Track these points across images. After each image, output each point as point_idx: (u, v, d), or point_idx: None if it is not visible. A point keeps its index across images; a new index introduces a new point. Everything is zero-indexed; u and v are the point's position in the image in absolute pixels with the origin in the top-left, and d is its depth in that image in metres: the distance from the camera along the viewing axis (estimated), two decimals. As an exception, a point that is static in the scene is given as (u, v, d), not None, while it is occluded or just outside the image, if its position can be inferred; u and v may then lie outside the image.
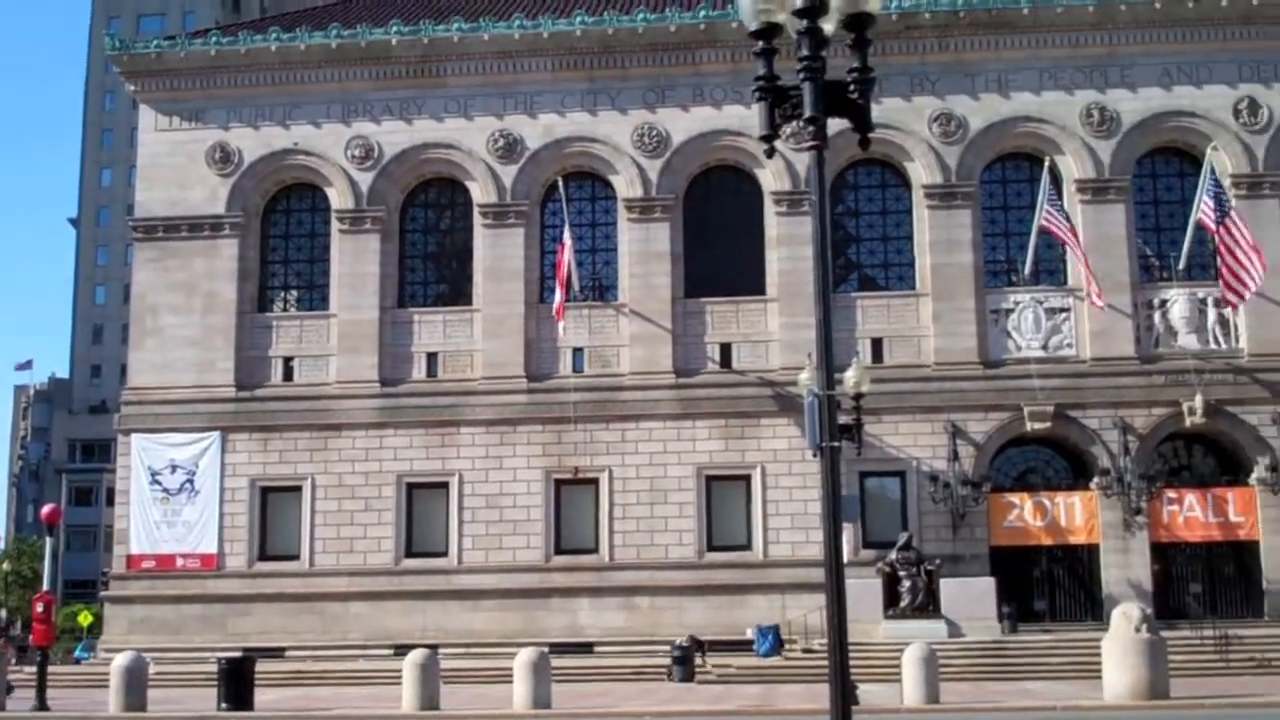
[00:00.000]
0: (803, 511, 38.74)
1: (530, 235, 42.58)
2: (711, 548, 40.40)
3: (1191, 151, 41.22)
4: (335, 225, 43.18)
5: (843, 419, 28.15)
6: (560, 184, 42.41)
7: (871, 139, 9.62)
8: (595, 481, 40.83)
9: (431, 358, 42.30)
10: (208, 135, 43.48)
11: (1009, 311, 41.07)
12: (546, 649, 29.72)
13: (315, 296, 43.61)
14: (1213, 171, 39.07)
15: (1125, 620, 27.06)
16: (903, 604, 35.97)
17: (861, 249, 42.57)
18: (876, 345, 41.03)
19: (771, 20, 9.26)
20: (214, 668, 29.92)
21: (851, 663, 9.59)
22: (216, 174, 43.34)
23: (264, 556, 41.69)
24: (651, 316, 41.41)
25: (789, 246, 40.88)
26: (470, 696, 31.06)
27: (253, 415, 41.98)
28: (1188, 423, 39.72)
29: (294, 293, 44.11)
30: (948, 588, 36.15)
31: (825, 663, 9.81)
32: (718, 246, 42.20)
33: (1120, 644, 26.86)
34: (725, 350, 41.51)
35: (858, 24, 9.33)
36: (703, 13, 41.97)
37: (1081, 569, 40.16)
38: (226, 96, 43.51)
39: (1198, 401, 39.17)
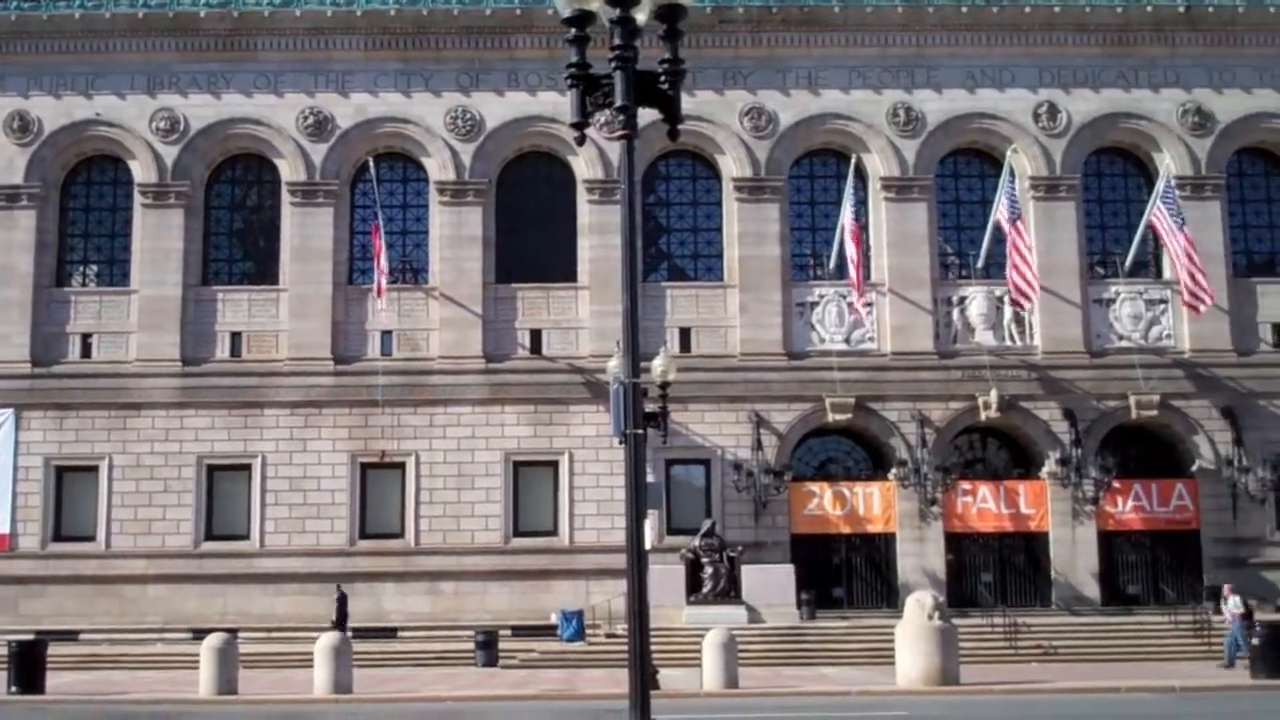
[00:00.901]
0: (609, 498, 38.92)
1: (340, 215, 41.93)
2: (518, 533, 40.37)
3: (993, 153, 42.48)
4: (138, 199, 41.90)
5: (649, 407, 28.39)
6: (371, 164, 41.85)
7: (683, 131, 9.70)
8: (402, 466, 40.45)
9: (236, 337, 41.37)
10: (6, 103, 41.81)
11: (814, 305, 41.84)
12: (350, 633, 29.38)
13: (116, 272, 42.27)
14: (1011, 173, 40.35)
15: (919, 608, 27.85)
16: (705, 590, 36.45)
17: (672, 239, 42.94)
18: (685, 335, 41.43)
19: (585, 8, 9.26)
20: (3, 650, 28.95)
21: (653, 648, 9.71)
22: (14, 143, 41.70)
23: (59, 537, 40.35)
24: (462, 301, 41.15)
25: (600, 234, 41.01)
26: (270, 681, 30.55)
27: (49, 393, 40.55)
28: (983, 417, 40.99)
29: (94, 267, 42.72)
30: (749, 574, 36.74)
31: (627, 647, 9.90)
32: (530, 232, 42.11)
33: (913, 630, 27.64)
34: (536, 336, 41.48)
35: (670, 15, 9.39)
36: (520, -3, 41.79)
37: (879, 557, 41.17)
38: (26, 63, 41.85)
39: (993, 396, 40.45)
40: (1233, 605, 32.85)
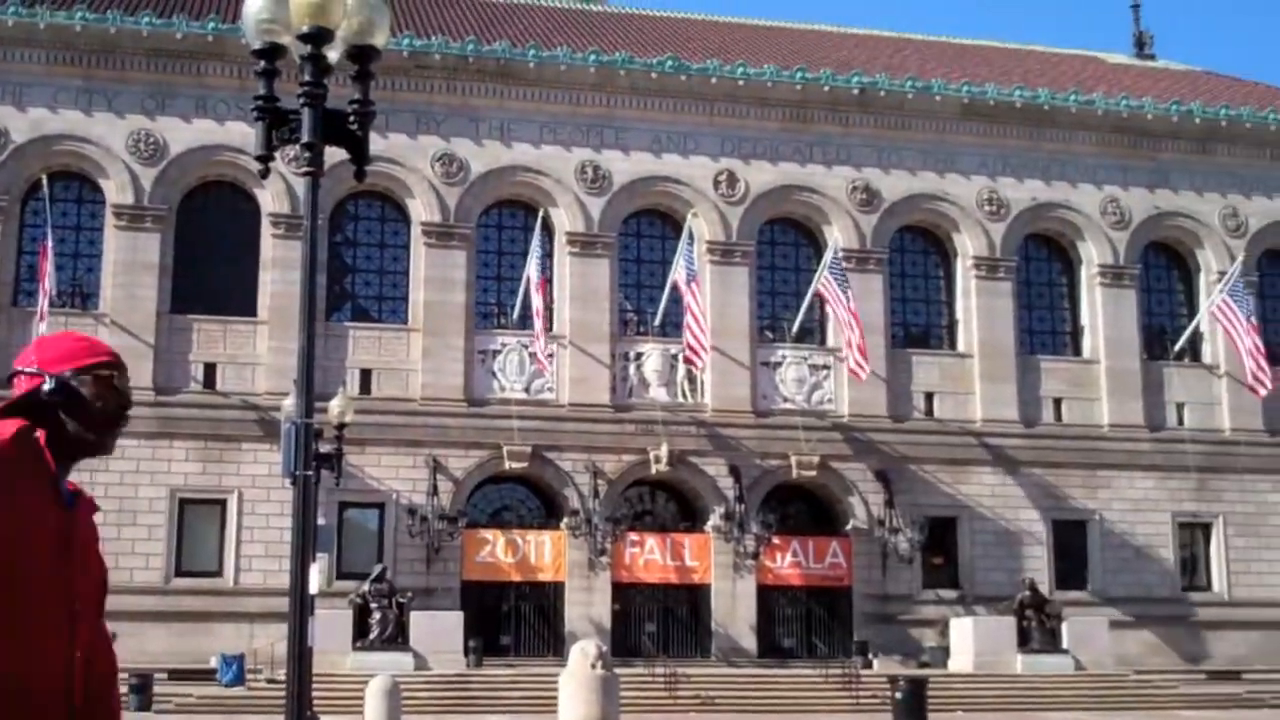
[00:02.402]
0: (278, 539, 38.05)
1: (8, 234, 39.94)
2: (180, 573, 39.07)
3: (675, 215, 43.86)
4: None
5: (325, 448, 28.10)
6: (45, 182, 40.07)
7: (373, 172, 9.84)
8: (58, 499, 38.54)
9: (-121, 356, 38.77)
10: None
11: (496, 353, 42.18)
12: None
13: None
14: (690, 236, 41.72)
15: (583, 656, 28.18)
16: (372, 636, 36.02)
17: (357, 279, 42.61)
18: (365, 376, 41.10)
19: (275, 41, 9.25)
20: None
21: (317, 693, 9.70)
22: None
23: None
24: (134, 330, 39.68)
25: (283, 270, 40.30)
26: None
27: None
28: (654, 470, 42.03)
29: None
30: (418, 620, 36.52)
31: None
32: (211, 263, 41.07)
33: (576, 679, 27.94)
34: (210, 370, 40.39)
35: (362, 56, 9.48)
36: (211, 24, 40.86)
37: (548, 606, 41.57)
38: None
39: (663, 451, 41.54)
40: None
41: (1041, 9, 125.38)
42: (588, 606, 40.97)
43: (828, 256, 42.12)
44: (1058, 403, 45.58)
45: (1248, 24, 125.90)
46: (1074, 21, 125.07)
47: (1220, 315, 43.37)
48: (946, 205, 45.54)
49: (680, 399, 42.85)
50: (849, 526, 42.94)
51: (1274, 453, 46.10)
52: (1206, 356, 47.10)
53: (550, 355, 41.45)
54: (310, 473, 9.57)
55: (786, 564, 42.57)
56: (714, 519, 41.95)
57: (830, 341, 44.14)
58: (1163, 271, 48.32)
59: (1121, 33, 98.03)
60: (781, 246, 45.50)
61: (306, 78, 9.11)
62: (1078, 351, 46.56)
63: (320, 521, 34.58)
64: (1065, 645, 38.98)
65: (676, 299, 41.83)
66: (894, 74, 46.73)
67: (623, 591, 41.75)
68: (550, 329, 41.55)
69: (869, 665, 39.51)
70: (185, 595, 38.69)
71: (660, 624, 42.22)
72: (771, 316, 44.62)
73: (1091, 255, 46.47)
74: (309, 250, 9.47)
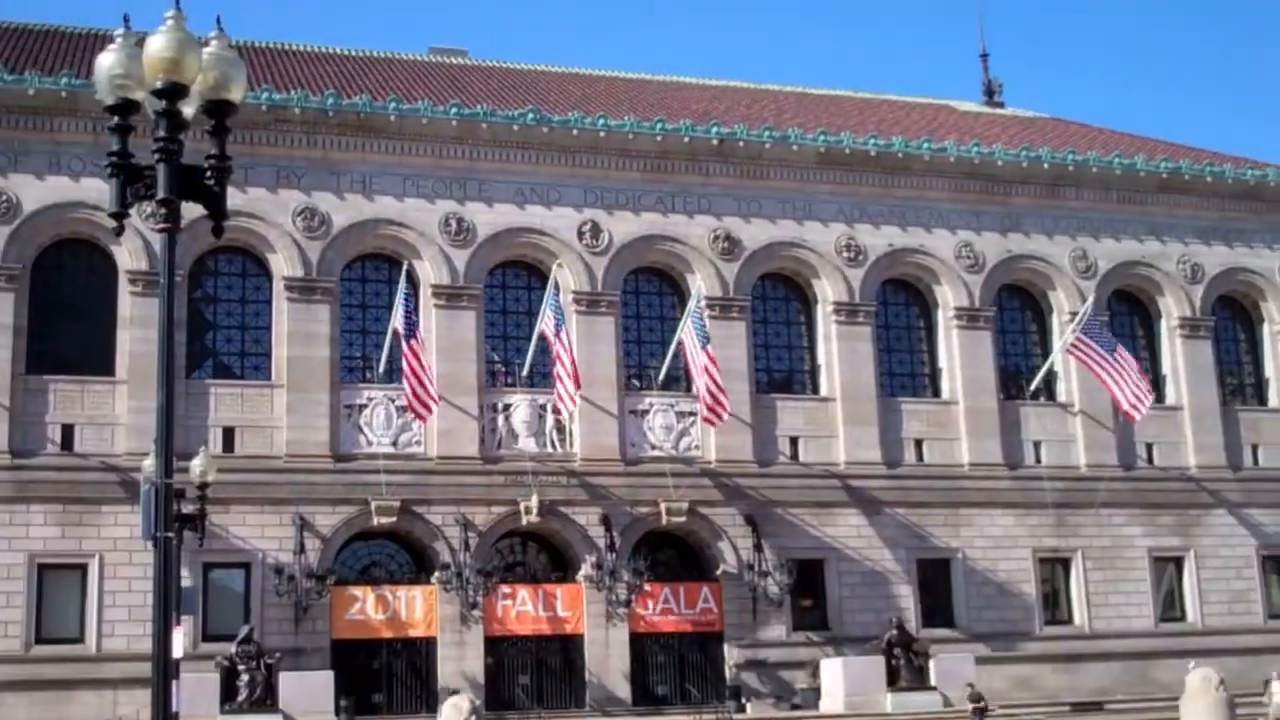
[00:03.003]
0: (142, 603, 37.27)
1: None
2: (41, 640, 37.98)
3: (540, 266, 44.01)
4: None
5: (188, 508, 27.77)
6: (-111, 244, 38.96)
7: (233, 227, 9.90)
8: (-92, 569, 37.36)
9: None
10: None
11: (362, 407, 41.84)
12: None
13: None
14: (556, 286, 41.89)
15: (455, 712, 27.94)
16: (240, 698, 35.37)
17: (219, 336, 42.00)
18: (229, 434, 40.47)
19: (129, 96, 9.27)
20: None
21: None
22: None
23: None
24: (-14, 393, 38.67)
25: (141, 328, 39.58)
26: None
27: None
28: (524, 521, 41.93)
29: None
30: (287, 681, 35.94)
31: (149, 750, 9.70)
32: (67, 322, 40.24)
33: (450, 733, 27.77)
34: (68, 431, 39.48)
35: (219, 111, 9.53)
36: (64, 79, 40.17)
37: (420, 661, 41.14)
38: None
39: (534, 501, 41.49)
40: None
41: (894, 59, 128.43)
42: (460, 661, 40.65)
43: (691, 305, 42.58)
44: (919, 443, 46.47)
45: (1092, 72, 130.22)
46: (926, 71, 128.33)
47: (1079, 352, 44.61)
48: (806, 252, 46.32)
49: (549, 449, 42.87)
50: (719, 571, 43.23)
51: (1129, 487, 47.46)
52: (1061, 395, 48.41)
53: (441, 399, 40.82)
54: (171, 534, 9.53)
55: (658, 611, 42.68)
56: (585, 568, 41.96)
57: (696, 389, 44.52)
58: (1017, 313, 49.64)
59: (972, 81, 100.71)
60: (646, 295, 45.90)
61: (161, 133, 9.14)
62: (937, 393, 47.55)
63: (185, 583, 34.06)
64: (933, 682, 39.61)
65: (544, 349, 41.94)
66: (752, 124, 47.55)
67: (496, 644, 41.49)
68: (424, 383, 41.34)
69: (742, 709, 39.77)
70: (46, 663, 37.61)
71: (534, 676, 42.03)
72: (638, 365, 44.95)
73: (948, 299, 47.57)
74: (167, 307, 9.47)
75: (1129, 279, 49.99)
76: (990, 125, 56.88)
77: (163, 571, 9.22)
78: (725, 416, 41.67)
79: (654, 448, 43.80)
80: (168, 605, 9.16)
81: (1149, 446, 48.50)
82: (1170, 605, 47.68)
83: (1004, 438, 46.93)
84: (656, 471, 43.05)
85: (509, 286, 44.70)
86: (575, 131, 44.21)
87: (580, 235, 44.17)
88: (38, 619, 38.12)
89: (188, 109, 9.33)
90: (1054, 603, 46.79)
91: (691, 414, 44.29)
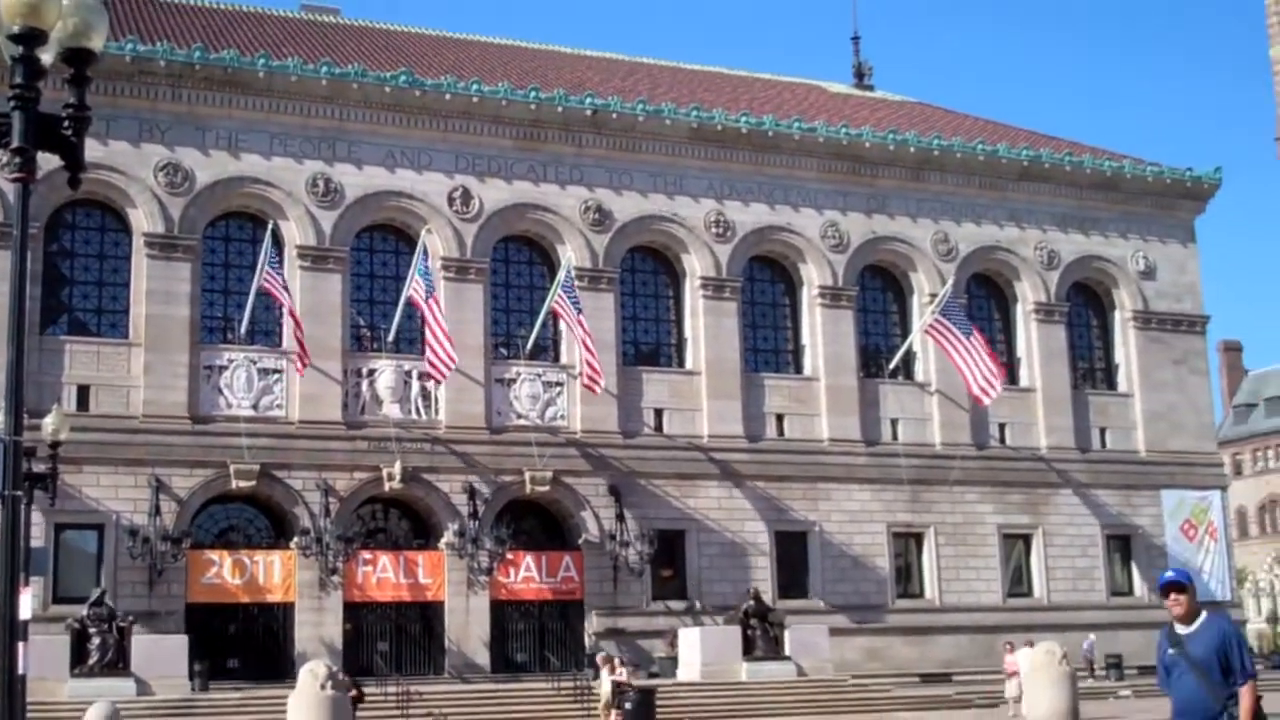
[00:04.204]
0: (-13, 563, 36.34)
1: None
2: (-123, 601, 36.87)
3: (409, 231, 43.67)
4: None
5: (39, 467, 27.09)
6: None
7: (93, 181, 9.80)
8: None
9: None
10: None
11: (223, 369, 41.19)
12: None
13: None
14: (425, 251, 41.62)
15: (311, 678, 27.86)
16: (91, 661, 34.65)
17: (75, 292, 41.03)
18: (83, 392, 39.59)
19: (-15, 43, 9.04)
20: None
21: None
22: None
23: None
24: None
25: (-5, 282, 38.53)
26: None
27: None
28: (387, 488, 41.71)
29: None
30: (140, 645, 35.33)
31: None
32: (-87, 275, 38.98)
33: (305, 700, 27.60)
34: (-88, 387, 38.27)
35: (78, 59, 9.32)
36: (-83, 23, 38.78)
37: (277, 627, 40.77)
38: None
39: (397, 468, 41.27)
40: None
41: (768, 40, 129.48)
42: (319, 627, 40.36)
43: (561, 275, 42.61)
44: (780, 418, 47.10)
45: (960, 59, 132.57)
46: (798, 51, 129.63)
47: (936, 333, 45.54)
48: (676, 226, 46.60)
49: (414, 415, 42.65)
50: (581, 540, 43.45)
51: (981, 465, 48.66)
52: (919, 374, 49.40)
53: (279, 371, 40.64)
54: (20, 493, 9.33)
55: (520, 579, 42.79)
56: (448, 535, 41.88)
57: (564, 359, 44.66)
58: (879, 293, 50.47)
59: (842, 63, 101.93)
60: (516, 264, 45.82)
61: (18, 79, 8.93)
62: (799, 369, 48.21)
63: (34, 544, 33.27)
64: (788, 652, 40.22)
65: (410, 314, 41.67)
66: (626, 97, 47.65)
67: (355, 610, 41.26)
68: (280, 344, 40.84)
69: (598, 677, 39.97)
70: (-116, 624, 36.53)
71: (393, 642, 41.90)
72: (506, 334, 44.87)
73: (812, 277, 48.21)
74: (20, 259, 9.28)
75: (988, 263, 51.12)
76: (859, 107, 57.63)
77: (10, 531, 9.01)
78: (601, 387, 41.97)
79: (520, 416, 43.81)
80: (15, 565, 8.96)
81: (1001, 427, 49.73)
82: (1018, 581, 49.04)
83: (863, 414, 47.77)
84: (522, 440, 43.09)
85: (376, 250, 44.31)
86: (448, 96, 43.89)
87: (450, 201, 43.91)
88: (-122, 578, 36.96)
89: (46, 56, 9.10)
90: (906, 576, 47.84)
91: (558, 384, 44.39)
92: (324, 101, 42.85)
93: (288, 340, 41.39)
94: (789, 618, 41.73)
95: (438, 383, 41.99)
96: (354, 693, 28.48)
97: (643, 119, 46.15)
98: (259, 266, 39.97)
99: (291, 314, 39.77)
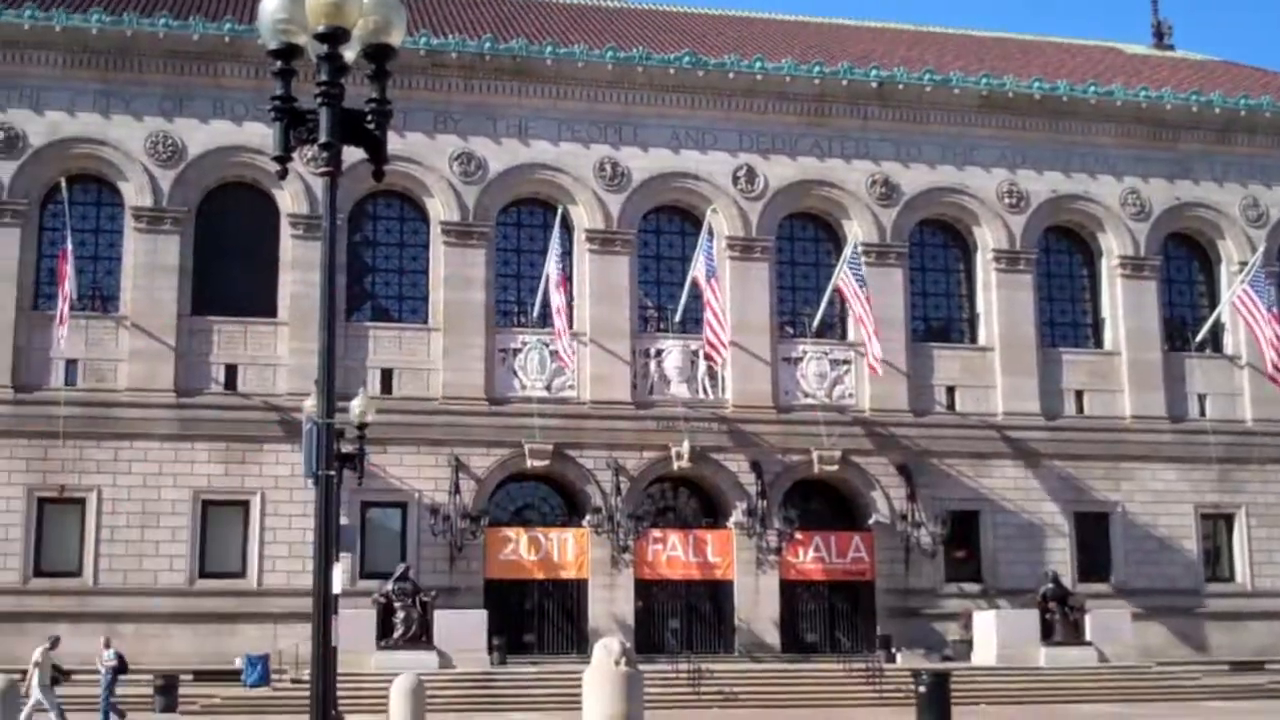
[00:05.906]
0: (301, 540, 38.23)
1: (27, 236, 40.06)
2: (204, 574, 39.19)
3: (694, 211, 43.80)
4: None
5: (347, 448, 28.19)
6: (63, 185, 40.18)
7: (392, 172, 9.86)
8: (82, 501, 38.77)
9: (-96, 361, 38.98)
10: None
11: (516, 351, 42.19)
12: (18, 676, 27.99)
13: None
14: (710, 232, 41.67)
15: (606, 654, 28.08)
16: (396, 635, 36.06)
17: (377, 279, 42.66)
18: (386, 376, 41.15)
19: (292, 41, 9.27)
20: None
21: (341, 693, 9.73)
22: None
23: None
24: (154, 332, 39.84)
25: (303, 270, 40.43)
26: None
27: None
28: (675, 467, 41.99)
29: None
30: (441, 619, 36.56)
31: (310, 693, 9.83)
32: (231, 265, 41.19)
33: (600, 676, 27.79)
34: (231, 371, 40.48)
35: (379, 55, 9.50)
36: (228, 25, 40.94)
37: (571, 603, 41.58)
38: None
39: (685, 447, 41.50)
40: (107, 657, 31.75)
41: (1060, 2, 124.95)
42: (611, 603, 40.99)
43: (847, 251, 42.05)
44: (1079, 395, 45.43)
45: (1266, 14, 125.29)
46: (1092, 12, 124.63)
47: (1241, 306, 43.20)
48: (966, 198, 45.40)
49: (701, 395, 42.80)
50: (871, 521, 42.85)
51: (1298, 443, 45.87)
52: (1228, 347, 46.89)
53: (574, 352, 41.33)
54: (332, 473, 9.61)
55: (809, 559, 42.51)
56: (736, 515, 41.92)
57: (851, 336, 44.05)
58: (1183, 262, 48.11)
59: (1140, 23, 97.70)
60: (801, 241, 45.42)
61: (323, 77, 9.14)
62: (1099, 344, 46.39)
63: (343, 521, 34.71)
64: (1088, 637, 38.89)
65: (696, 295, 41.81)
66: (912, 67, 46.63)
67: (646, 588, 41.74)
68: (571, 326, 41.56)
69: (892, 659, 39.44)
70: (209, 596, 38.83)
71: (683, 620, 42.24)
72: (792, 312, 44.55)
73: (1112, 247, 46.30)
74: (328, 250, 9.51)
75: (1304, 228, 48.09)
76: (1159, 69, 54.95)
77: (324, 508, 9.30)
78: (882, 367, 41.43)
79: (806, 395, 43.45)
80: (328, 541, 9.26)
81: (1322, 402, 46.73)
82: (1340, 566, 46.05)
83: (1168, 390, 45.65)
84: (808, 419, 42.73)
85: (663, 231, 44.59)
86: (731, 74, 43.78)
87: (735, 180, 43.82)
88: (202, 554, 39.30)
89: (349, 53, 9.31)
90: (1215, 560, 45.52)
91: (845, 362, 43.85)
92: (610, 86, 43.31)
93: (578, 323, 41.96)
94: (1089, 602, 40.29)
95: (716, 364, 42.01)
96: None
97: (930, 89, 45.06)
98: (549, 251, 40.69)
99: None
